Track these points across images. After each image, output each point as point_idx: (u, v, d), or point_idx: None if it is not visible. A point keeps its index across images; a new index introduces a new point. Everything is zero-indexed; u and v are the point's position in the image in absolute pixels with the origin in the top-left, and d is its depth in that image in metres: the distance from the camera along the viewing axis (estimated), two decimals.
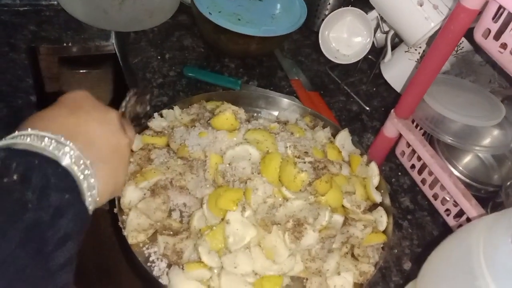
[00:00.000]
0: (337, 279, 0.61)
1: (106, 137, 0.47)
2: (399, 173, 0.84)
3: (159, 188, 0.61)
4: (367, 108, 0.96)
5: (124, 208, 0.60)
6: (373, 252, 0.66)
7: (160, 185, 0.61)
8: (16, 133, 0.41)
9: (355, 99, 0.98)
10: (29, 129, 0.41)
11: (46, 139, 0.40)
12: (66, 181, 0.39)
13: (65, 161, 0.40)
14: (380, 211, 0.70)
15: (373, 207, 0.71)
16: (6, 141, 0.40)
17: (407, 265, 0.72)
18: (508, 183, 0.67)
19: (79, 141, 0.42)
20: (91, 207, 0.43)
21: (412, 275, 0.71)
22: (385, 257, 0.66)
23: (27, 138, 0.40)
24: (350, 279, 0.61)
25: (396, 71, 0.96)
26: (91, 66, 1.20)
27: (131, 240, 0.59)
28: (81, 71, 1.18)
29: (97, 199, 0.44)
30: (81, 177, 0.41)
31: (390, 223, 0.69)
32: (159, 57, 0.93)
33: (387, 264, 0.71)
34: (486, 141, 0.78)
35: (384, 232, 0.68)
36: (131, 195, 0.60)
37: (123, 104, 0.56)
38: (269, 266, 0.57)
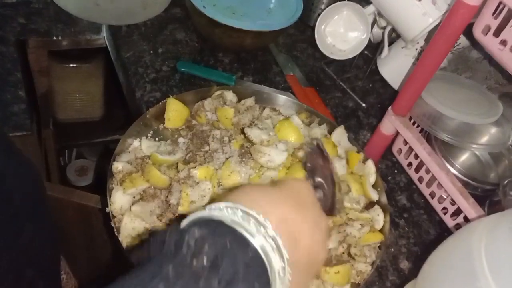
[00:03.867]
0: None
1: (312, 246, 0.40)
2: (396, 171, 0.83)
3: (148, 196, 0.59)
4: (363, 105, 0.95)
5: (116, 214, 0.58)
6: (370, 251, 0.65)
7: (149, 193, 0.60)
8: (223, 205, 0.36)
9: (351, 95, 0.96)
10: (240, 206, 0.36)
11: (252, 221, 0.35)
12: (258, 271, 0.34)
13: (264, 248, 0.35)
14: (377, 210, 0.69)
15: (369, 205, 0.70)
16: (210, 212, 0.36)
17: (404, 264, 0.71)
18: (506, 181, 0.67)
19: (287, 239, 0.37)
20: None
21: (409, 274, 0.70)
22: (382, 256, 0.65)
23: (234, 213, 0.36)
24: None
25: (393, 67, 0.95)
26: (81, 60, 1.18)
27: (125, 245, 0.57)
28: (71, 65, 1.16)
29: None
30: (277, 269, 0.35)
31: (387, 222, 0.68)
32: (151, 52, 0.91)
33: (384, 263, 0.70)
34: (484, 139, 0.77)
35: (381, 231, 0.68)
36: (120, 200, 0.58)
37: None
38: None
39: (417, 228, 0.76)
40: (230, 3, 0.95)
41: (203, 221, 0.35)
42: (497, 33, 0.56)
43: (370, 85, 1.00)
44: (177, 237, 0.34)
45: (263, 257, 0.34)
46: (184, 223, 0.36)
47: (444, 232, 0.75)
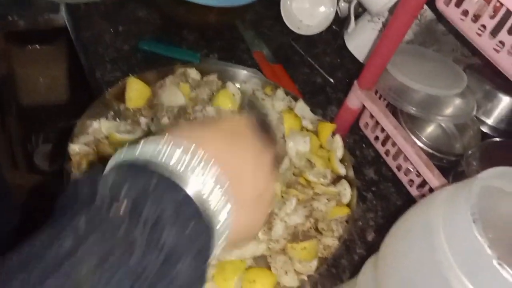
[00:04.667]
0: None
1: (255, 182, 0.37)
2: (363, 145, 0.83)
3: None
4: (331, 80, 0.94)
5: None
6: (337, 226, 0.65)
7: None
8: (142, 141, 0.32)
9: (319, 71, 0.95)
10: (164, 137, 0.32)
11: (179, 153, 0.31)
12: (189, 212, 0.30)
13: (197, 187, 0.31)
14: (344, 184, 0.69)
15: (337, 180, 0.70)
16: (129, 151, 0.32)
17: (371, 237, 0.71)
18: (470, 152, 0.67)
19: (227, 173, 0.33)
20: (214, 252, 0.33)
21: (376, 246, 0.70)
22: (349, 229, 0.65)
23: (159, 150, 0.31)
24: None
25: (360, 41, 0.94)
26: (42, 42, 1.14)
27: None
28: (31, 47, 1.12)
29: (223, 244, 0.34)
30: (215, 210, 0.32)
31: (354, 196, 0.68)
32: (112, 30, 0.88)
33: (351, 237, 0.70)
34: (449, 111, 0.77)
35: (348, 205, 0.68)
36: None
37: None
38: (229, 252, 0.55)
39: (385, 201, 0.76)
40: None
41: (125, 165, 0.31)
42: (458, 4, 0.55)
43: (338, 60, 0.99)
44: (92, 185, 0.30)
45: (201, 196, 0.31)
46: (106, 168, 0.32)
47: (411, 204, 0.75)
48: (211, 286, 0.54)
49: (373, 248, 0.69)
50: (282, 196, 0.62)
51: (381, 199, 0.76)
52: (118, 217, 0.28)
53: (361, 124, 0.80)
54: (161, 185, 0.30)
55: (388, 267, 0.45)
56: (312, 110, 0.76)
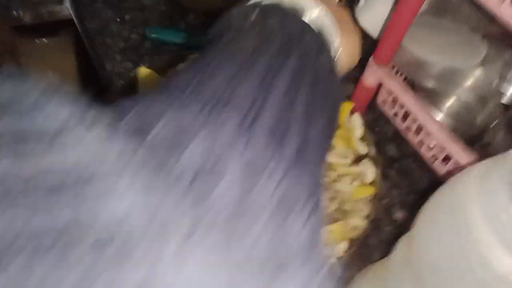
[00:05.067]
0: None
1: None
2: (383, 122, 0.81)
3: None
4: None
5: None
6: (363, 205, 0.64)
7: None
8: None
9: None
10: None
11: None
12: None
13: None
14: (366, 163, 0.68)
15: (358, 159, 0.69)
16: None
17: (398, 214, 0.70)
18: (493, 123, 0.65)
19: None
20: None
21: (404, 224, 0.69)
22: (376, 208, 0.64)
23: None
24: None
25: (371, 15, 0.91)
26: (49, 35, 1.12)
27: None
28: (39, 41, 1.10)
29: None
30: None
31: (378, 174, 0.66)
32: (118, 19, 0.86)
33: (378, 216, 0.69)
34: (468, 82, 0.75)
35: (372, 183, 0.66)
36: None
37: None
38: None
39: (409, 177, 0.75)
40: None
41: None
42: None
43: None
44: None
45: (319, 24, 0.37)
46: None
47: (436, 179, 0.74)
48: None
49: (401, 226, 0.69)
50: None
51: (405, 176, 0.75)
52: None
53: (379, 101, 0.78)
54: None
55: (421, 247, 0.44)
56: None
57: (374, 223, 0.68)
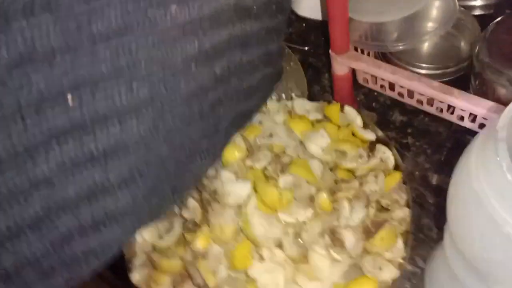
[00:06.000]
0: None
1: None
2: (376, 95, 0.79)
3: None
4: (306, 48, 0.90)
5: None
6: (398, 193, 0.63)
7: None
8: None
9: (290, 45, 0.91)
10: None
11: None
12: None
13: None
14: (380, 148, 0.66)
15: (372, 147, 0.67)
16: None
17: (435, 179, 0.68)
18: (476, 49, 0.63)
19: None
20: None
21: (443, 185, 0.67)
22: (411, 188, 0.63)
23: None
24: None
25: (306, 2, 0.89)
26: None
27: None
28: None
29: None
30: None
31: (396, 154, 0.65)
32: None
33: (417, 192, 0.68)
34: (433, 22, 0.72)
35: (396, 167, 0.65)
36: None
37: None
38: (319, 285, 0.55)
39: (427, 135, 0.73)
40: None
41: None
42: None
43: (304, 25, 0.95)
44: None
45: None
46: None
47: (453, 128, 0.72)
48: None
49: (442, 188, 0.67)
50: (334, 207, 0.60)
51: (422, 135, 0.73)
52: None
53: (361, 81, 0.77)
54: None
55: (451, 217, 0.43)
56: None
57: (417, 202, 0.66)
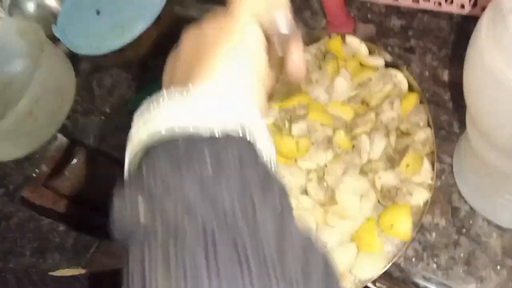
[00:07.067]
0: None
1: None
2: (369, 6, 0.73)
3: None
4: None
5: None
6: (416, 115, 0.61)
7: None
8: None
9: None
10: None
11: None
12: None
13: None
14: (390, 71, 0.64)
15: (385, 76, 0.64)
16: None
17: (445, 75, 0.66)
18: None
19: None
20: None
21: (454, 79, 0.64)
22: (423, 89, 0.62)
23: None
24: None
25: None
26: None
27: None
28: None
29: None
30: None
31: (408, 75, 0.63)
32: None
33: (431, 91, 0.66)
34: None
35: (410, 88, 0.63)
36: None
37: None
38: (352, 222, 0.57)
39: (430, 33, 0.69)
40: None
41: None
42: None
43: None
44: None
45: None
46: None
47: (454, 20, 0.68)
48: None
49: (454, 82, 0.64)
50: (353, 145, 0.60)
51: (425, 35, 0.69)
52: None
53: None
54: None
55: (470, 99, 0.43)
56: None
57: (434, 102, 0.64)
